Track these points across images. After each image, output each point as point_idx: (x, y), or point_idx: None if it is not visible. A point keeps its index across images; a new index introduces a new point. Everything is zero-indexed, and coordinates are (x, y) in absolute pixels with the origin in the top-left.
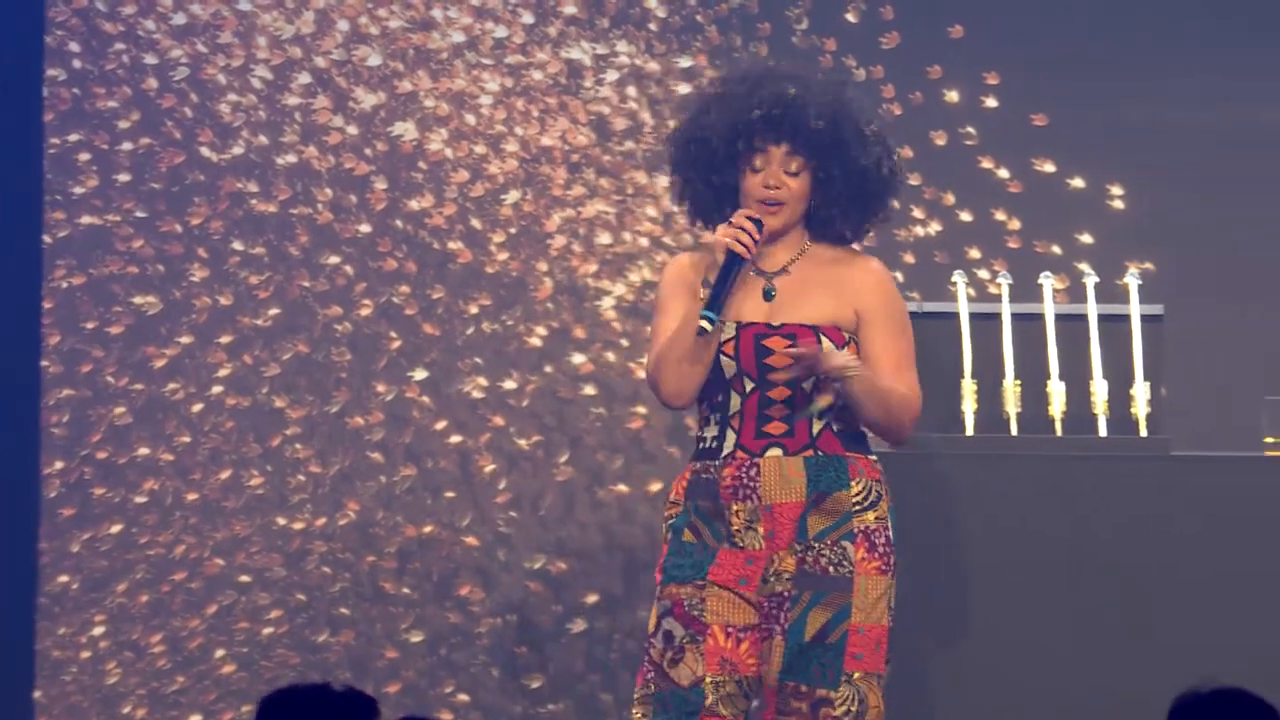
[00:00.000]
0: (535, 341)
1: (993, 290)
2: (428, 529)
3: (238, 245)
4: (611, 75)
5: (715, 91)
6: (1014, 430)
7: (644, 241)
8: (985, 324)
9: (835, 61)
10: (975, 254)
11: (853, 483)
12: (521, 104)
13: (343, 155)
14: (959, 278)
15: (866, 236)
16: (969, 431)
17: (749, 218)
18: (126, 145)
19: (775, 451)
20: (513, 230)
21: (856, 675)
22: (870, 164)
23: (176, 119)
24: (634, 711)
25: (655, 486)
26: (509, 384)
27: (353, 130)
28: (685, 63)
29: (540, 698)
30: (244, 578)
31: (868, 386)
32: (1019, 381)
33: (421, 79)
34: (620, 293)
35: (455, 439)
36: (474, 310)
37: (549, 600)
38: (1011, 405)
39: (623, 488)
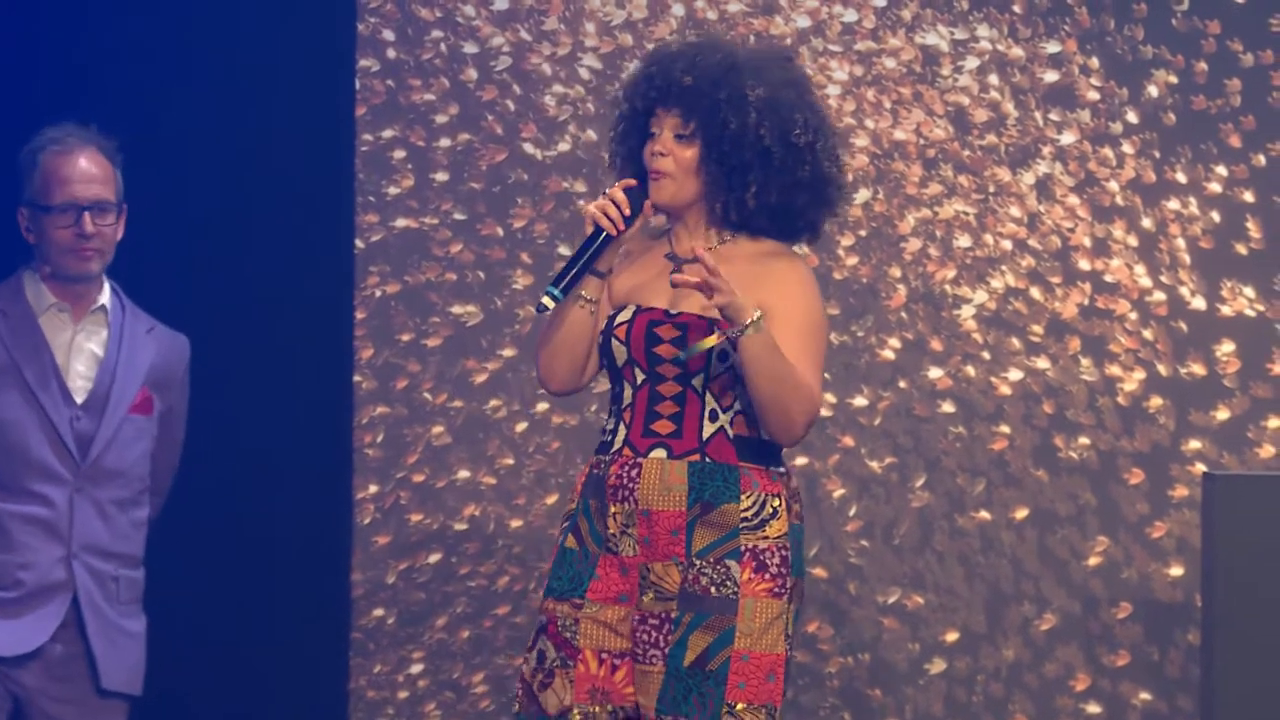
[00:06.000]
0: (888, 354)
1: None
2: None
3: (564, 250)
4: (971, 62)
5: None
6: None
7: (1007, 244)
8: None
9: (1219, 46)
10: None
11: (743, 495)
12: (872, 94)
13: None
14: None
15: (804, 235)
16: None
17: (626, 189)
18: (444, 141)
19: (659, 453)
20: (863, 233)
21: (740, 706)
22: (745, 129)
23: (498, 113)
24: None
25: (1021, 513)
26: (859, 401)
27: None
28: (1052, 48)
29: None
30: None
31: (762, 350)
32: None
33: None
34: (981, 300)
35: (800, 460)
36: None
37: (905, 638)
38: None
39: (985, 514)
